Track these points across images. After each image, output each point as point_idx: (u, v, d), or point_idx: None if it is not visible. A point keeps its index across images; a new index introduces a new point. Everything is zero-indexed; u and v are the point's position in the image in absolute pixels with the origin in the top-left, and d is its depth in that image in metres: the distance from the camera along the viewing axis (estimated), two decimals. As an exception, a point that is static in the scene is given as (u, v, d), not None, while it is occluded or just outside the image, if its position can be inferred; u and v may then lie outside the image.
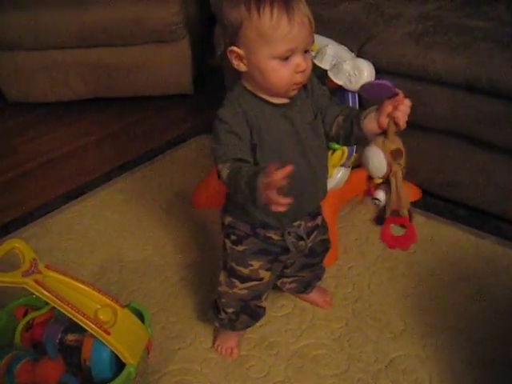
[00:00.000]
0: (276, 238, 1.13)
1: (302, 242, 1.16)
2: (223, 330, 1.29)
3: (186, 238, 1.69)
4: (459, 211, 1.74)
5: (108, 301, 1.13)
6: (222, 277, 1.21)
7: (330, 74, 1.44)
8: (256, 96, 1.00)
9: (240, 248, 1.15)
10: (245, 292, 1.19)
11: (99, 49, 2.44)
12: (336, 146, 1.48)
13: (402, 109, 0.96)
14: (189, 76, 2.56)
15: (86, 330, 1.08)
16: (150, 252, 1.64)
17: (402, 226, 1.13)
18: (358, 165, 1.56)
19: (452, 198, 1.75)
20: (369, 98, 1.09)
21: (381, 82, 1.03)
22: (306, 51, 0.95)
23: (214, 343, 1.32)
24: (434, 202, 1.78)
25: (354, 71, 1.41)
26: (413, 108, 1.59)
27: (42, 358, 1.08)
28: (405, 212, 1.08)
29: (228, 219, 1.15)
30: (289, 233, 1.13)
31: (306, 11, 0.93)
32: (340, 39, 1.54)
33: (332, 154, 1.48)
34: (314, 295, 1.41)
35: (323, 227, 1.26)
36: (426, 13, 1.79)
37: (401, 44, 1.60)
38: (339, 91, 1.47)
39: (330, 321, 1.37)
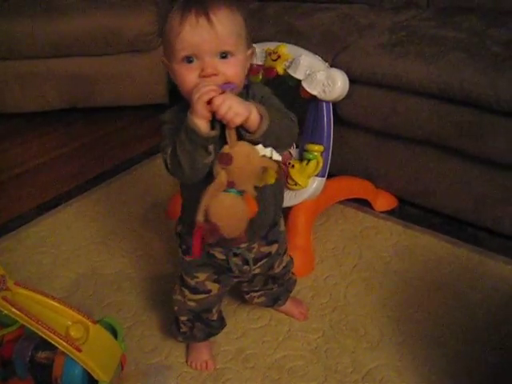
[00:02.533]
0: (220, 257, 1.12)
1: (246, 267, 1.13)
2: (189, 343, 1.29)
3: (161, 250, 1.67)
4: (435, 219, 1.75)
5: (79, 317, 1.11)
6: (176, 285, 1.22)
7: (304, 84, 1.44)
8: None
9: (187, 259, 1.15)
10: (193, 304, 1.19)
11: (74, 59, 2.43)
12: (310, 155, 1.48)
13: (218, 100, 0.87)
14: (164, 86, 2.55)
15: (57, 347, 1.05)
16: (125, 264, 1.62)
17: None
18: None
19: (428, 206, 1.76)
20: None
21: None
22: (225, 56, 0.92)
23: (187, 360, 1.30)
24: (410, 210, 1.79)
25: (327, 81, 1.42)
26: (387, 117, 1.62)
27: (12, 379, 1.05)
28: (200, 218, 0.90)
29: (179, 228, 1.16)
30: (234, 254, 1.10)
31: (213, 14, 0.89)
32: (314, 49, 1.55)
33: (307, 164, 1.48)
34: (289, 307, 1.39)
35: (278, 256, 1.21)
36: (399, 23, 1.80)
37: (374, 54, 1.61)
38: (313, 101, 1.47)
39: (307, 332, 1.36)
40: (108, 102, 2.56)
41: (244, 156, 0.88)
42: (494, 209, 1.59)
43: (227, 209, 0.89)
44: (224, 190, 0.89)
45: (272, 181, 0.94)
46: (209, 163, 0.92)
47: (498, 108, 1.40)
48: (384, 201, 1.80)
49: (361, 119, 1.69)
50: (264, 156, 0.89)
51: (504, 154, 1.46)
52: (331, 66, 1.56)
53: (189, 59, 0.91)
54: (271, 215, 1.10)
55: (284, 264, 1.26)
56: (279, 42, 1.56)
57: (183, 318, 1.23)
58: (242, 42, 0.95)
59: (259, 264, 1.16)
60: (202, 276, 1.16)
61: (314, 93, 1.43)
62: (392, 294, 1.46)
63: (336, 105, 1.58)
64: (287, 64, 1.50)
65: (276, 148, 0.93)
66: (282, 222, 1.20)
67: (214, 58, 0.91)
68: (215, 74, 0.90)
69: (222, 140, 0.91)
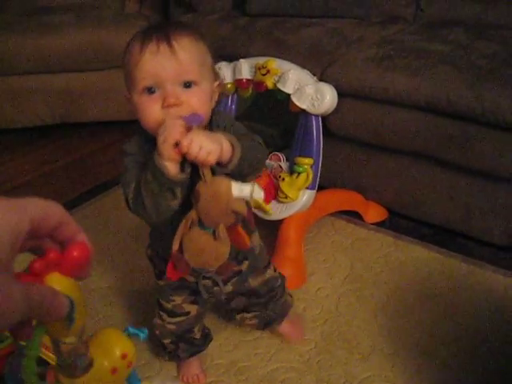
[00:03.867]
0: (190, 279, 1.09)
1: (216, 288, 1.11)
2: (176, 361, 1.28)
3: (153, 264, 1.67)
4: (425, 230, 1.76)
5: (72, 331, 1.11)
6: (156, 309, 1.20)
7: (294, 98, 1.46)
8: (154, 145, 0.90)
9: (161, 283, 1.13)
10: (173, 327, 1.17)
11: (64, 74, 2.44)
12: (300, 168, 1.49)
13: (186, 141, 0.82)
14: (155, 101, 2.55)
15: (49, 363, 1.05)
16: (117, 279, 1.62)
17: None
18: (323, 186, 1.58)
19: (417, 217, 1.77)
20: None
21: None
22: (189, 85, 0.87)
23: (178, 375, 1.30)
24: (400, 221, 1.81)
25: (316, 95, 1.44)
26: (376, 130, 1.64)
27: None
28: (174, 247, 0.89)
29: (149, 253, 1.14)
30: (204, 277, 1.08)
31: (175, 41, 0.85)
32: (303, 63, 1.57)
33: (297, 177, 1.50)
34: (283, 329, 1.34)
35: (252, 272, 1.17)
36: (387, 37, 1.83)
37: (362, 67, 1.63)
38: (303, 115, 1.49)
39: (299, 344, 1.36)
40: (98, 117, 2.57)
41: (210, 195, 0.84)
42: (483, 219, 1.61)
43: (195, 244, 0.87)
44: (199, 225, 0.87)
45: (239, 214, 0.87)
46: (174, 207, 0.88)
47: (484, 120, 1.43)
48: (374, 212, 1.82)
49: (350, 132, 1.71)
50: (241, 195, 0.85)
51: (491, 165, 1.48)
52: (320, 80, 1.58)
53: (150, 90, 0.86)
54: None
55: (265, 278, 1.20)
56: (268, 56, 1.59)
57: (166, 341, 1.21)
58: (206, 71, 0.90)
59: (231, 282, 1.13)
60: (178, 299, 1.14)
61: (303, 107, 1.45)
62: (383, 304, 1.47)
63: (325, 118, 1.60)
64: (276, 78, 1.52)
65: (248, 175, 0.90)
66: (253, 238, 1.13)
67: (176, 87, 0.86)
68: (177, 105, 0.86)
69: (194, 177, 0.86)
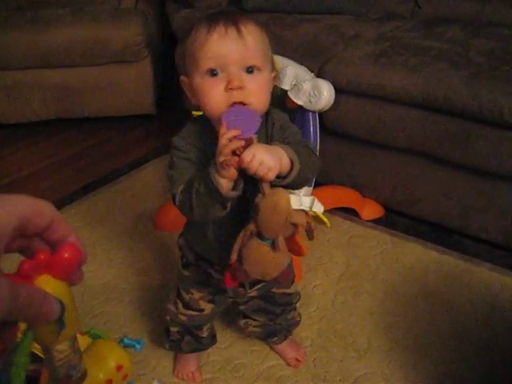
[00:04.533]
0: (216, 276, 1.08)
1: (241, 289, 1.09)
2: (176, 353, 1.28)
3: (149, 261, 1.66)
4: (421, 227, 1.76)
5: (67, 328, 1.10)
6: (172, 295, 1.20)
7: (291, 95, 1.45)
8: (212, 130, 0.91)
9: (185, 273, 1.13)
10: (184, 318, 1.17)
11: (61, 69, 2.42)
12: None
13: (248, 154, 0.81)
14: (151, 96, 2.55)
15: (42, 359, 1.04)
16: (113, 275, 1.61)
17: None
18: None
19: (414, 214, 1.77)
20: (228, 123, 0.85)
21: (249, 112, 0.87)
22: (252, 71, 0.87)
23: (173, 370, 1.30)
24: (397, 219, 1.81)
25: (313, 91, 1.43)
26: (373, 127, 1.63)
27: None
28: (233, 258, 0.89)
29: (180, 241, 1.14)
30: None
31: (243, 26, 0.86)
32: (300, 60, 1.56)
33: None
34: (283, 348, 1.32)
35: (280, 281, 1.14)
36: (384, 33, 1.83)
37: (360, 64, 1.63)
38: (300, 111, 1.48)
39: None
40: (95, 113, 2.56)
41: (270, 209, 0.83)
42: (480, 216, 1.61)
43: (254, 255, 0.87)
44: (258, 237, 0.87)
45: (299, 228, 0.88)
46: (222, 215, 0.88)
47: (481, 117, 1.42)
48: (371, 210, 1.82)
49: (347, 129, 1.70)
50: (300, 208, 0.85)
51: (488, 162, 1.48)
52: (317, 76, 1.58)
53: (213, 72, 0.86)
54: None
55: (286, 291, 1.19)
56: (265, 52, 1.58)
57: (174, 329, 1.22)
58: (268, 60, 0.90)
59: (256, 287, 1.12)
60: (196, 294, 1.13)
61: (300, 103, 1.44)
62: (379, 302, 1.47)
63: (322, 114, 1.59)
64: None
65: (301, 187, 0.90)
66: None
67: (240, 71, 0.86)
68: (241, 88, 0.85)
69: (246, 188, 0.86)
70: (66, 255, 0.44)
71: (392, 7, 2.07)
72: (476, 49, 1.59)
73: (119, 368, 1.08)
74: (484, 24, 1.82)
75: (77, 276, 0.46)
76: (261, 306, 1.20)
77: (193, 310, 1.15)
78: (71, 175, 2.20)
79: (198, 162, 0.92)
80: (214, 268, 1.08)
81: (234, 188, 0.84)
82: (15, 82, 2.42)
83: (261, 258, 0.87)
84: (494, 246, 1.65)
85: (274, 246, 0.86)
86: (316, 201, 0.83)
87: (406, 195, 1.74)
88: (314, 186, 1.56)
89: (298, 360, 1.30)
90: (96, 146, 2.45)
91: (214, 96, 0.86)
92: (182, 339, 1.22)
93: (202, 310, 1.15)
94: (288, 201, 0.83)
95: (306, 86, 1.43)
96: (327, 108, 1.51)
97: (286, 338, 1.30)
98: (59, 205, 1.97)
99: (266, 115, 0.95)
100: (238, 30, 0.85)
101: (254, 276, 0.90)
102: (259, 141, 0.85)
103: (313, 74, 1.51)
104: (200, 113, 1.51)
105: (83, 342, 1.10)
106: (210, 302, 1.15)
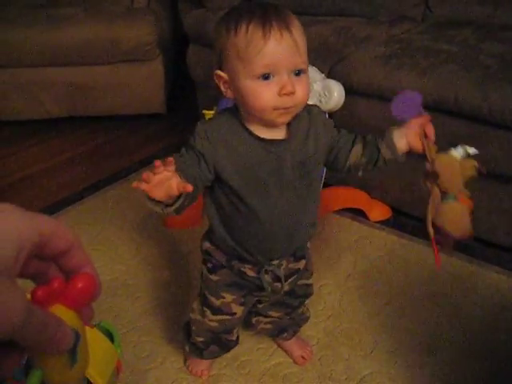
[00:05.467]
0: (251, 274, 1.07)
1: (277, 284, 1.09)
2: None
3: (157, 258, 1.68)
4: (429, 229, 1.76)
5: (76, 320, 1.11)
6: (196, 304, 1.18)
7: (301, 95, 1.46)
8: (243, 126, 0.93)
9: (214, 278, 1.10)
10: (215, 324, 1.15)
11: (72, 68, 2.44)
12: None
13: (431, 128, 0.96)
14: (162, 95, 2.57)
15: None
16: (122, 271, 1.62)
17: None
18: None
19: (422, 216, 1.76)
20: (397, 115, 1.07)
21: (411, 94, 1.05)
22: (299, 73, 0.87)
23: (185, 361, 1.30)
24: (404, 220, 1.81)
25: (324, 92, 1.44)
26: (383, 128, 1.63)
27: (7, 382, 1.05)
28: (430, 231, 0.97)
29: (206, 245, 1.10)
30: (266, 271, 1.06)
31: (293, 28, 0.86)
32: (311, 60, 1.55)
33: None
34: (291, 345, 1.32)
35: (306, 272, 1.17)
36: (395, 36, 1.83)
37: (370, 66, 1.64)
38: (310, 111, 1.49)
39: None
40: (105, 111, 2.58)
41: (447, 167, 0.93)
42: (488, 219, 1.61)
43: (453, 215, 0.94)
44: (442, 200, 0.94)
45: (473, 173, 0.95)
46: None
47: (491, 119, 1.43)
48: (378, 211, 1.82)
49: (356, 129, 1.70)
50: (463, 155, 0.94)
51: (497, 165, 1.48)
52: (328, 77, 1.59)
53: (265, 76, 0.86)
54: (311, 231, 1.09)
55: (307, 283, 1.20)
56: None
57: (199, 339, 1.20)
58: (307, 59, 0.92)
59: (289, 281, 1.11)
60: (228, 297, 1.11)
61: (311, 103, 1.45)
62: (386, 302, 1.48)
63: (332, 115, 1.60)
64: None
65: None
66: None
67: (290, 75, 0.86)
68: (293, 93, 0.86)
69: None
70: (80, 285, 0.41)
71: (403, 10, 2.07)
72: (487, 52, 1.59)
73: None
74: (495, 28, 1.82)
75: (86, 312, 0.43)
76: (280, 300, 1.19)
77: (224, 314, 1.13)
78: (82, 172, 2.22)
79: (202, 160, 0.92)
80: (250, 264, 1.06)
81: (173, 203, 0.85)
82: (27, 79, 2.45)
83: (459, 216, 0.95)
84: (503, 249, 1.65)
85: (457, 199, 0.94)
86: (466, 146, 0.95)
87: (414, 196, 1.74)
88: (323, 187, 1.56)
89: (304, 358, 1.31)
90: (107, 144, 2.47)
91: (267, 100, 0.87)
92: (205, 349, 1.21)
93: (234, 314, 1.13)
94: (451, 154, 0.94)
95: (317, 87, 1.44)
96: (337, 108, 1.52)
97: (295, 333, 1.30)
98: (68, 201, 1.99)
99: (308, 112, 0.99)
100: (291, 34, 0.85)
101: (458, 235, 0.95)
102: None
103: (323, 75, 1.52)
104: (211, 113, 1.53)
105: (92, 335, 1.12)
106: (242, 304, 1.13)
